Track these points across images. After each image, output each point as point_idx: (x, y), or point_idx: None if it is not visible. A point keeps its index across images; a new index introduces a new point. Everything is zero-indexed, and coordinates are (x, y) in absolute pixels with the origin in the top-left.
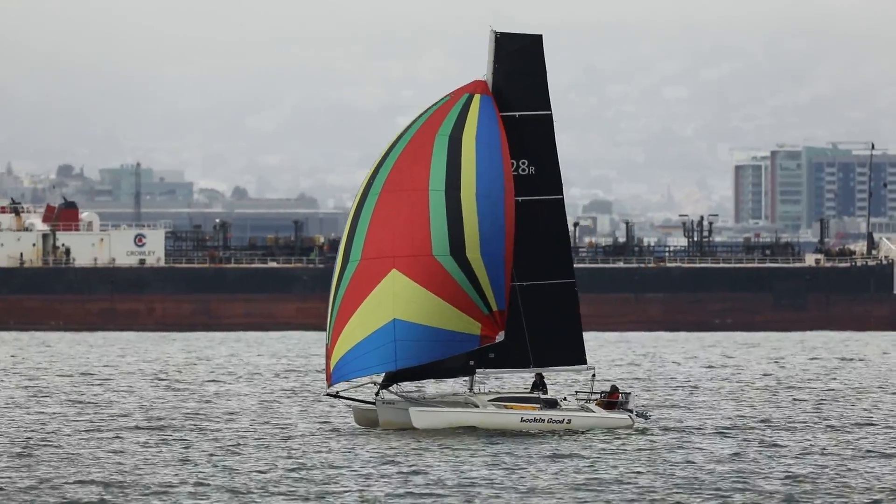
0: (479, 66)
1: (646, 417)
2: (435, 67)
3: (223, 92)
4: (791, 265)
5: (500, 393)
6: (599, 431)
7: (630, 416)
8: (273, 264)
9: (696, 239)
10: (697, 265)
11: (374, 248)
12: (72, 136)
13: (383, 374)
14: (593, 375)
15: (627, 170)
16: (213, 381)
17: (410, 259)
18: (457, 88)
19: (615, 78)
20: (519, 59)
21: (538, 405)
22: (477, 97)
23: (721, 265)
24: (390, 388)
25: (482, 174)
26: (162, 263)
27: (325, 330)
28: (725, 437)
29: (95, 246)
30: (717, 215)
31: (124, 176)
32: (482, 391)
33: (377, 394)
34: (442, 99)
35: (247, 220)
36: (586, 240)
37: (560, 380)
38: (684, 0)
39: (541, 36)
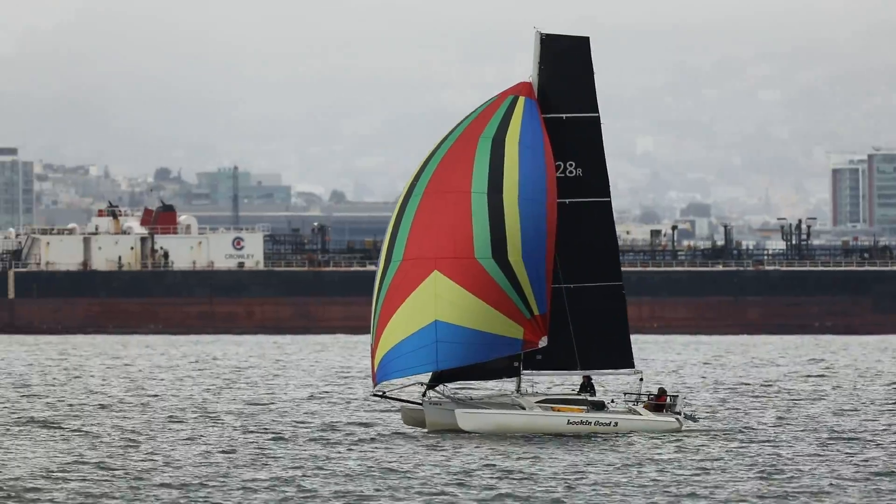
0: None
1: (695, 420)
2: (530, 71)
3: (320, 96)
4: (890, 268)
5: (547, 395)
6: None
7: (678, 418)
8: (371, 267)
9: (794, 242)
10: (796, 268)
11: (416, 250)
12: (169, 140)
13: (430, 375)
14: (641, 378)
15: (724, 173)
16: None
17: (452, 261)
18: (502, 91)
19: (710, 81)
20: (565, 61)
21: (585, 407)
22: (521, 100)
23: (820, 268)
24: (437, 388)
25: (525, 177)
26: (261, 267)
27: None
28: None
29: (194, 249)
30: (815, 218)
31: (221, 179)
32: (529, 393)
33: (424, 394)
34: (487, 101)
35: (344, 223)
36: (685, 243)
37: (611, 382)
38: (778, 1)
39: (588, 38)
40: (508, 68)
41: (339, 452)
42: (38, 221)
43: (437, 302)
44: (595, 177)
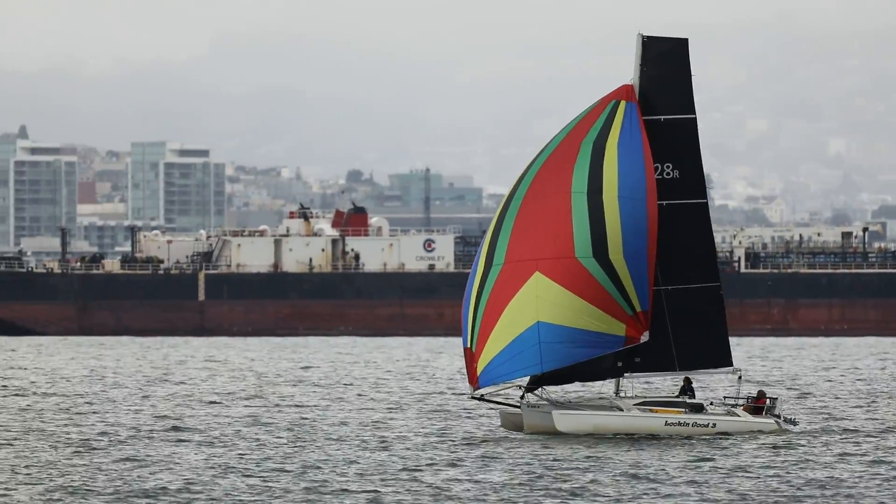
0: (768, 74)
1: (794, 423)
2: (723, 73)
3: (510, 98)
4: None
5: (645, 397)
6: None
7: (777, 421)
8: None
9: None
10: None
11: (518, 252)
12: (360, 142)
13: (528, 378)
14: (740, 377)
15: None
16: None
17: (553, 261)
18: (605, 95)
19: None
20: (665, 63)
21: (684, 409)
22: (623, 104)
23: None
24: (535, 391)
25: (624, 176)
26: (451, 269)
27: None
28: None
29: (384, 251)
30: None
31: (413, 181)
32: (628, 395)
33: (522, 397)
34: (590, 106)
35: None
36: (875, 245)
37: (715, 384)
38: None
39: (686, 39)
40: (702, 69)
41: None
42: (229, 223)
43: (538, 303)
44: (692, 178)
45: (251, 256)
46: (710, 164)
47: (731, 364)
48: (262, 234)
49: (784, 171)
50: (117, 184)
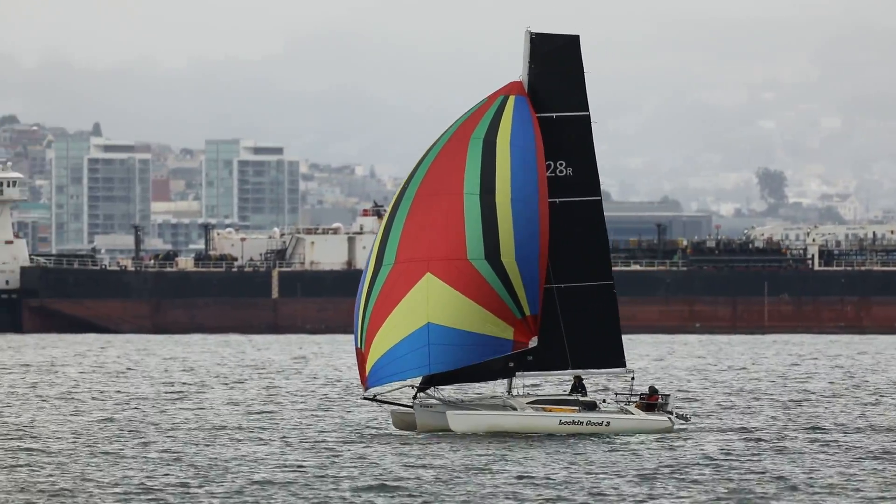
0: (841, 71)
1: (686, 419)
2: (798, 70)
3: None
4: None
5: (538, 395)
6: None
7: (670, 418)
8: (636, 267)
9: None
10: None
11: (408, 252)
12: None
13: (420, 378)
14: (632, 377)
15: None
16: None
17: (445, 262)
18: (492, 92)
19: None
20: (555, 60)
21: (577, 408)
22: (511, 98)
23: None
24: (428, 391)
25: (516, 177)
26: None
27: (688, 332)
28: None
29: None
30: None
31: None
32: (520, 394)
33: (414, 397)
34: (478, 103)
35: (610, 222)
36: None
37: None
38: None
39: (578, 36)
40: (775, 67)
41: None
42: (302, 221)
43: (429, 304)
44: (585, 176)
45: (325, 254)
46: (784, 161)
47: (623, 364)
48: (335, 231)
49: (857, 169)
50: (191, 181)
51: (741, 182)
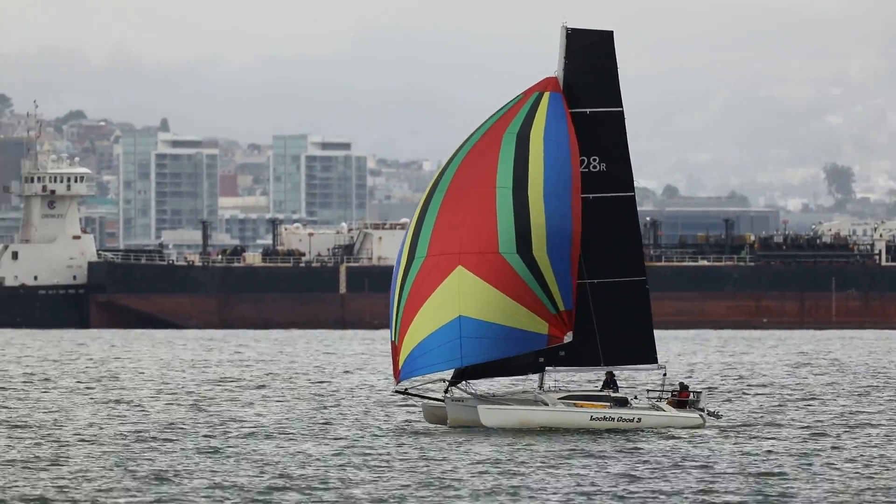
0: None
1: (718, 417)
2: (865, 66)
3: (653, 90)
4: None
5: (569, 391)
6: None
7: (701, 415)
8: (703, 262)
9: None
10: None
11: (441, 245)
12: None
13: (452, 371)
14: (664, 374)
15: None
16: None
17: (477, 256)
18: (528, 87)
19: None
20: (590, 56)
21: (608, 403)
22: (546, 94)
23: None
24: (459, 385)
25: (549, 171)
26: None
27: (752, 327)
28: None
29: None
30: None
31: None
32: (552, 389)
33: (446, 391)
34: (514, 98)
35: (677, 217)
36: None
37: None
38: None
39: (612, 32)
40: (843, 62)
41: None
42: (370, 216)
43: (460, 297)
44: (619, 172)
45: (392, 249)
46: (852, 157)
47: (655, 361)
48: (403, 226)
49: None
50: (259, 177)
51: (808, 177)
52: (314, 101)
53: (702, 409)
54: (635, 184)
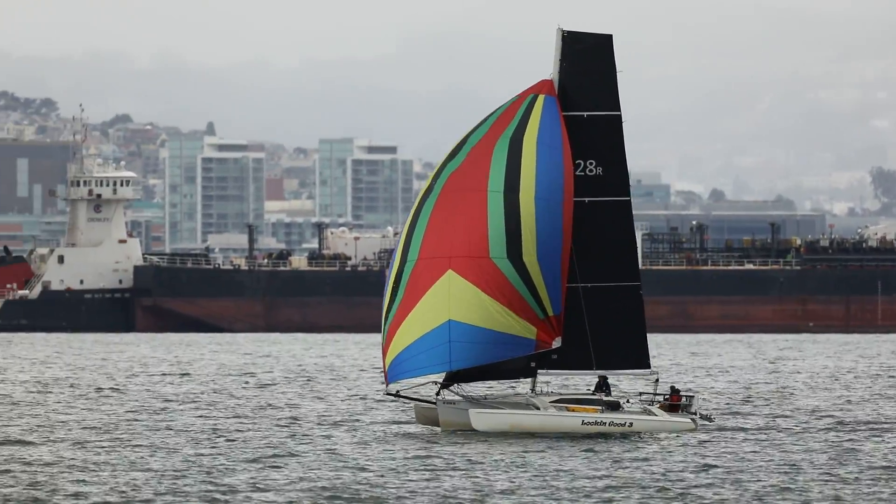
0: None
1: (710, 420)
2: None
3: (698, 94)
4: None
5: (561, 394)
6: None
7: (693, 419)
8: (749, 266)
9: None
10: None
11: (432, 248)
12: None
13: (444, 374)
14: (657, 379)
15: None
16: None
17: (467, 260)
18: (523, 90)
19: None
20: (587, 59)
21: (600, 407)
22: (541, 98)
23: None
24: (451, 387)
25: (541, 176)
26: (640, 265)
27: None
28: None
29: None
30: None
31: None
32: (544, 392)
33: (438, 393)
34: (508, 102)
35: (723, 221)
36: None
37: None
38: None
39: (611, 36)
40: (889, 66)
41: None
42: None
43: (450, 301)
44: (615, 175)
45: None
46: None
47: (648, 366)
48: None
49: None
50: (305, 180)
51: (854, 181)
52: (360, 104)
53: (694, 413)
54: (681, 187)
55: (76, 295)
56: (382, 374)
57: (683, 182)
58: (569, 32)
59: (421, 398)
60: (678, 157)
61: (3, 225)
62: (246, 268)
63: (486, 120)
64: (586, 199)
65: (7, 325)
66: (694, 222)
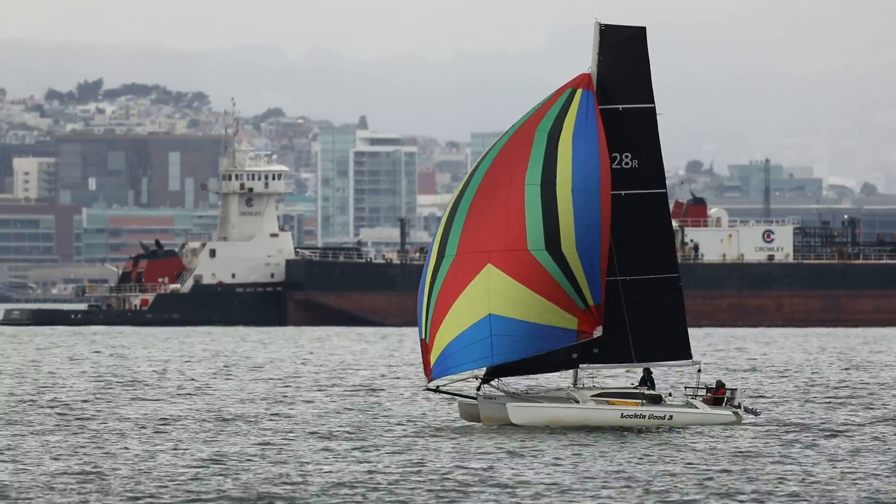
0: None
1: (755, 413)
2: None
3: (850, 88)
4: None
5: (603, 388)
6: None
7: (736, 412)
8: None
9: None
10: None
11: (470, 243)
12: (700, 133)
13: (485, 369)
14: (699, 370)
15: None
16: None
17: (505, 254)
18: (563, 84)
19: None
20: (622, 52)
21: (641, 401)
22: (579, 92)
23: None
24: (491, 382)
25: (578, 168)
26: (790, 259)
27: None
28: None
29: (724, 242)
30: None
31: (753, 172)
32: (585, 386)
33: (478, 388)
34: (547, 96)
35: (875, 216)
36: None
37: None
38: None
39: (644, 28)
40: None
41: None
42: None
43: (490, 295)
44: (651, 168)
45: None
46: None
47: (689, 357)
48: None
49: None
50: (457, 174)
51: None
52: (512, 98)
53: (737, 406)
54: (833, 181)
55: (228, 289)
56: (424, 369)
57: (836, 176)
58: (606, 25)
59: (461, 393)
60: (830, 151)
61: (154, 219)
62: (398, 262)
63: (524, 115)
64: (622, 193)
65: (158, 318)
66: (846, 216)
